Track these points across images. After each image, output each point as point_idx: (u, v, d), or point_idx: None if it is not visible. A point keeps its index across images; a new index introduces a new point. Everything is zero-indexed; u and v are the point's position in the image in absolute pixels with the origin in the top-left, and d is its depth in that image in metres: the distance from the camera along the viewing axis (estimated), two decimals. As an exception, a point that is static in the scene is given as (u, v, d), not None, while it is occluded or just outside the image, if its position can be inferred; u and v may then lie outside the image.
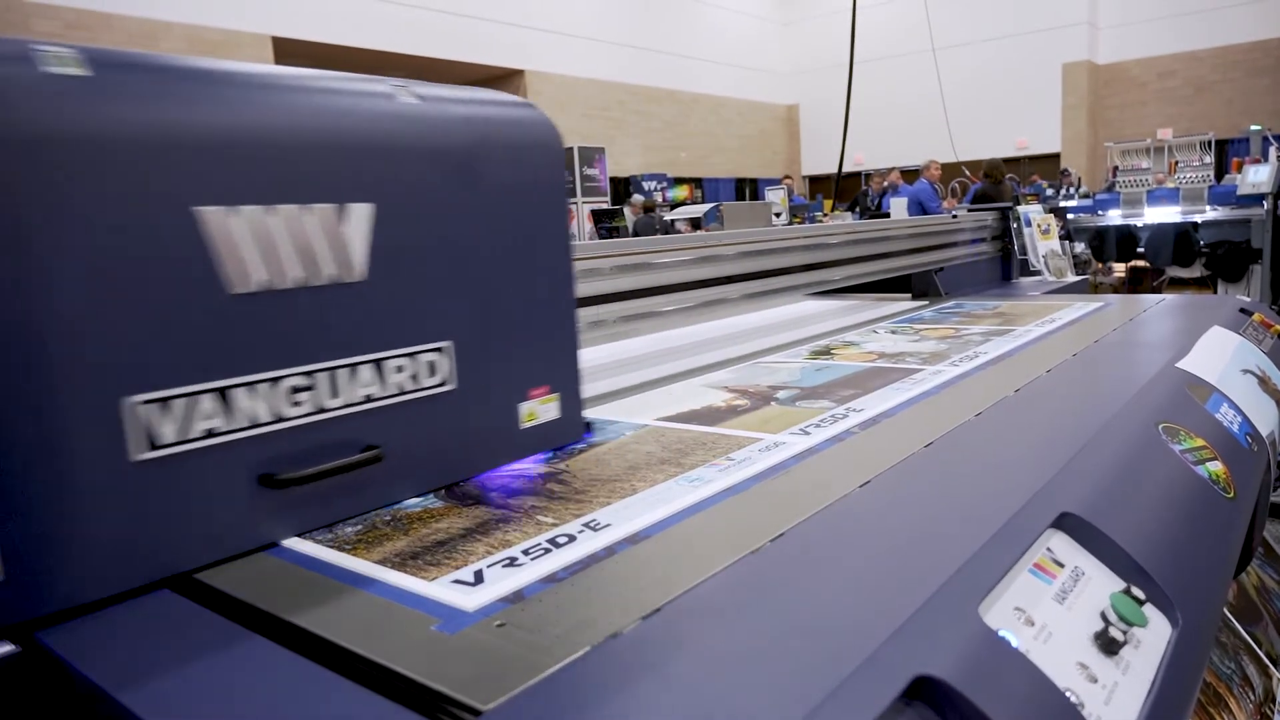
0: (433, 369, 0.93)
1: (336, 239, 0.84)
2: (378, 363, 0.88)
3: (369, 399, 0.88)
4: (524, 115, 1.06)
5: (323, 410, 0.84)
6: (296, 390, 0.82)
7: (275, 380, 0.80)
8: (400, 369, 0.90)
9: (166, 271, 0.73)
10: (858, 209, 10.21)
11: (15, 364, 0.66)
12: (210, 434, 0.76)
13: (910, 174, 10.24)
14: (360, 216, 0.86)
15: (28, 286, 0.66)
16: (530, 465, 1.04)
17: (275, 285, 0.80)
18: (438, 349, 0.93)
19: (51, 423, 0.67)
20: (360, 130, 0.87)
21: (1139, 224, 7.66)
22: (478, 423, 1.00)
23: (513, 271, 1.02)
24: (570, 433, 1.12)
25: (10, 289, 0.65)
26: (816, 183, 19.11)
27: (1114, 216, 7.81)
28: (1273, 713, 1.41)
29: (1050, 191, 10.44)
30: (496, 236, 1.00)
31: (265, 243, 0.79)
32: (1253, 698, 1.39)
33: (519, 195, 1.03)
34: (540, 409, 1.07)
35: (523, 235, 1.03)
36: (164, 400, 0.73)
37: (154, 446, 0.72)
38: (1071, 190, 10.25)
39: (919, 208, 7.85)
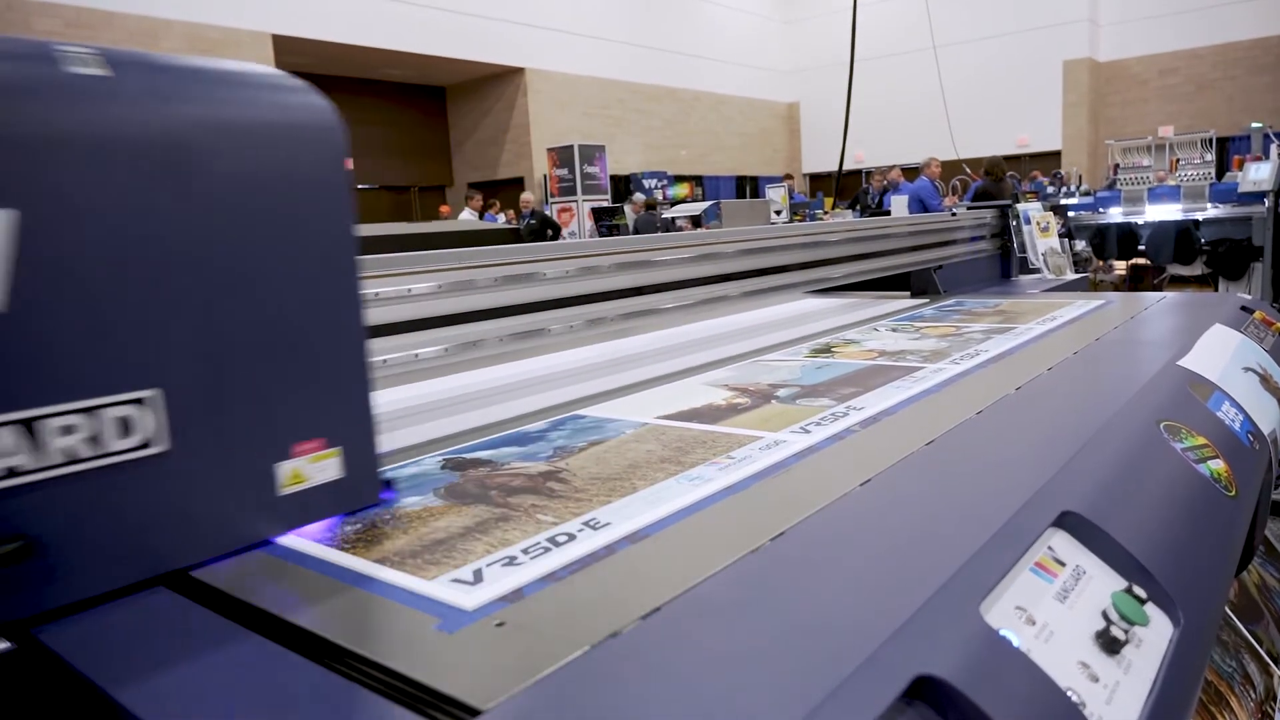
0: (126, 427, 0.70)
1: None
2: (27, 423, 0.65)
3: (12, 473, 0.65)
4: (284, 98, 0.85)
5: None
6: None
7: None
8: (69, 429, 0.67)
9: None
10: (858, 207, 10.20)
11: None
12: None
13: (911, 171, 10.24)
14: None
15: None
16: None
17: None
18: (136, 400, 0.71)
19: None
20: None
21: (1140, 222, 7.65)
22: (207, 494, 0.77)
23: (263, 295, 0.79)
24: (360, 495, 0.89)
25: None
26: (817, 181, 19.10)
27: (1115, 214, 7.81)
28: (1274, 711, 1.41)
29: (1051, 189, 10.44)
30: (234, 252, 0.77)
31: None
32: (1254, 696, 1.39)
33: (270, 198, 0.80)
34: (310, 468, 0.84)
35: (278, 249, 0.81)
36: None
37: None
38: (1072, 188, 10.25)
39: (920, 205, 7.85)
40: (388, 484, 0.95)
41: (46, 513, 0.67)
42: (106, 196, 0.70)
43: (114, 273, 0.70)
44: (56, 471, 0.67)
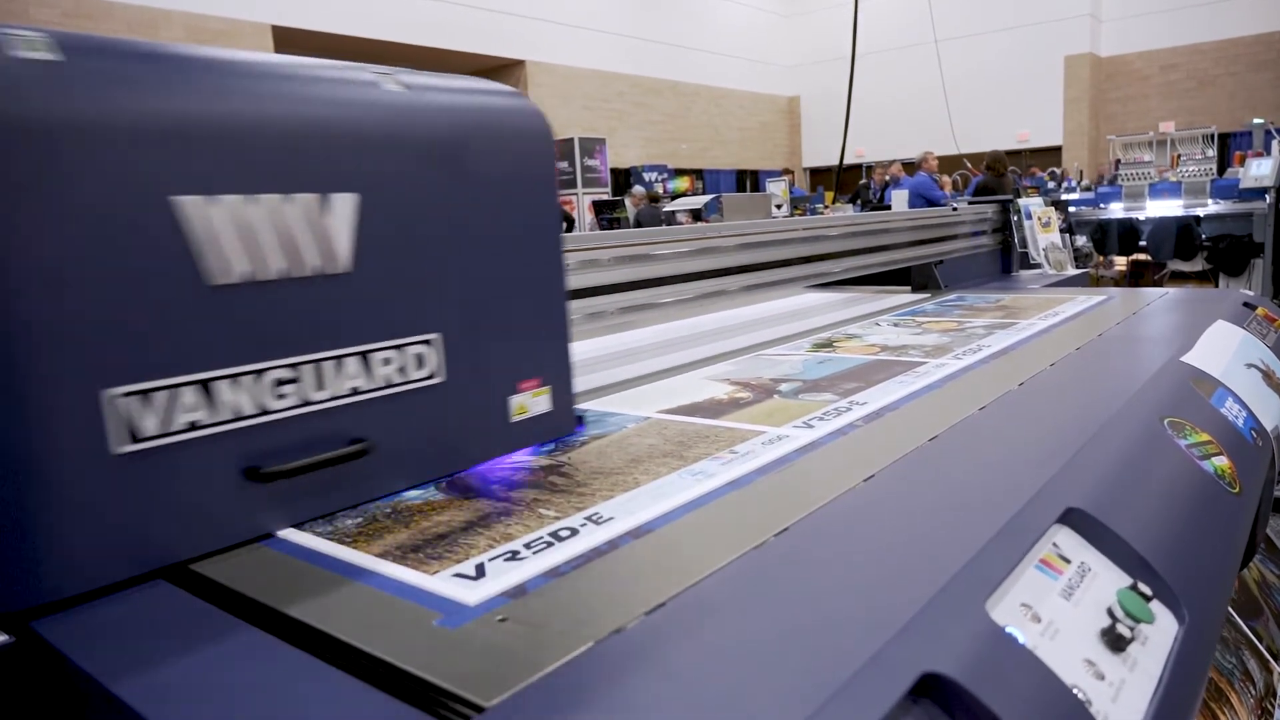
0: (421, 361, 0.92)
1: (320, 230, 0.83)
2: (364, 355, 0.87)
3: (355, 391, 0.86)
4: (514, 105, 1.06)
5: (308, 403, 0.83)
6: (281, 383, 0.81)
7: (259, 373, 0.79)
8: (387, 361, 0.89)
9: (145, 262, 0.72)
10: (859, 201, 10.19)
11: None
12: (193, 426, 0.75)
13: (912, 167, 10.23)
14: (344, 207, 0.85)
15: (6, 284, 0.65)
16: (523, 458, 1.03)
17: (257, 276, 0.79)
18: (426, 341, 0.93)
19: (31, 415, 0.67)
20: (343, 119, 0.86)
21: (1141, 217, 7.65)
22: (467, 415, 0.98)
23: (501, 263, 1.01)
24: (561, 426, 1.11)
25: None
26: (818, 175, 19.09)
27: (1116, 210, 7.80)
28: (1274, 708, 1.41)
29: (1051, 185, 10.42)
30: (485, 228, 0.98)
31: (246, 233, 0.78)
32: (1254, 693, 1.39)
33: (507, 186, 1.01)
34: (531, 402, 1.06)
35: (512, 226, 1.02)
36: (145, 393, 0.72)
37: (135, 439, 0.72)
38: (1073, 183, 10.23)
39: (921, 200, 7.84)
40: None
41: (376, 422, 0.89)
42: (409, 183, 0.91)
43: (414, 241, 0.91)
44: (380, 393, 0.89)
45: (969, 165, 11.08)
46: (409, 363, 0.91)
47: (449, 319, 0.95)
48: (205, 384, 0.76)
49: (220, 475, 0.77)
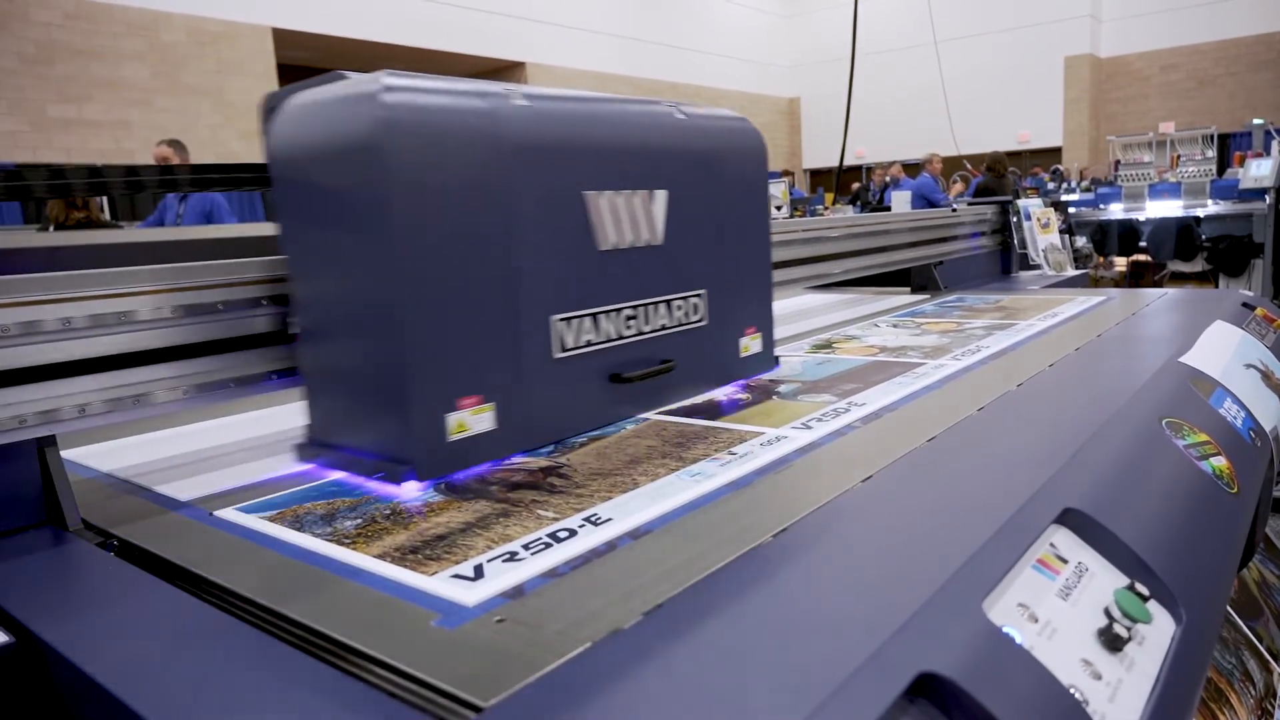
0: (696, 309, 1.31)
1: (648, 215, 1.21)
2: (669, 302, 1.26)
3: (664, 328, 1.25)
4: (746, 128, 1.43)
5: (641, 334, 1.21)
6: (629, 319, 1.19)
7: (618, 311, 1.17)
8: (679, 308, 1.27)
9: (569, 233, 1.10)
10: (859, 203, 10.18)
11: (502, 296, 1.02)
12: (588, 344, 1.13)
13: (912, 168, 10.22)
14: (661, 199, 1.23)
15: (508, 243, 1.02)
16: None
17: (619, 245, 1.16)
18: (699, 295, 1.31)
19: (521, 330, 1.04)
20: (659, 139, 1.26)
21: (1141, 218, 7.64)
22: (719, 350, 1.37)
23: (737, 241, 1.39)
24: (766, 364, 1.48)
25: (502, 248, 1.01)
26: (818, 176, 19.08)
27: (1116, 210, 7.79)
28: (1273, 708, 1.41)
29: (1051, 185, 10.42)
30: (729, 215, 1.37)
31: (615, 216, 1.15)
32: (1253, 693, 1.39)
33: (742, 186, 1.39)
34: (751, 344, 1.44)
35: (743, 215, 1.40)
36: (567, 319, 1.10)
37: (563, 349, 1.09)
38: (1073, 184, 10.23)
39: (924, 201, 7.84)
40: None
41: (675, 349, 1.27)
42: (692, 182, 1.28)
43: (694, 224, 1.29)
44: (676, 329, 1.27)
45: (969, 166, 11.08)
46: (690, 309, 1.30)
47: (711, 279, 1.33)
48: (594, 316, 1.13)
49: (598, 378, 1.15)
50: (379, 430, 0.98)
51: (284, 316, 1.10)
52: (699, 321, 1.31)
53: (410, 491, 0.94)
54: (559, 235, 1.08)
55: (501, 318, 1.02)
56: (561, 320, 1.08)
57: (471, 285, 0.98)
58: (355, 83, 0.99)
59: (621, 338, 1.18)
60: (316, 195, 0.99)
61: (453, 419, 0.97)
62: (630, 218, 1.17)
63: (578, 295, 1.11)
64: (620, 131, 1.19)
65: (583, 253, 1.11)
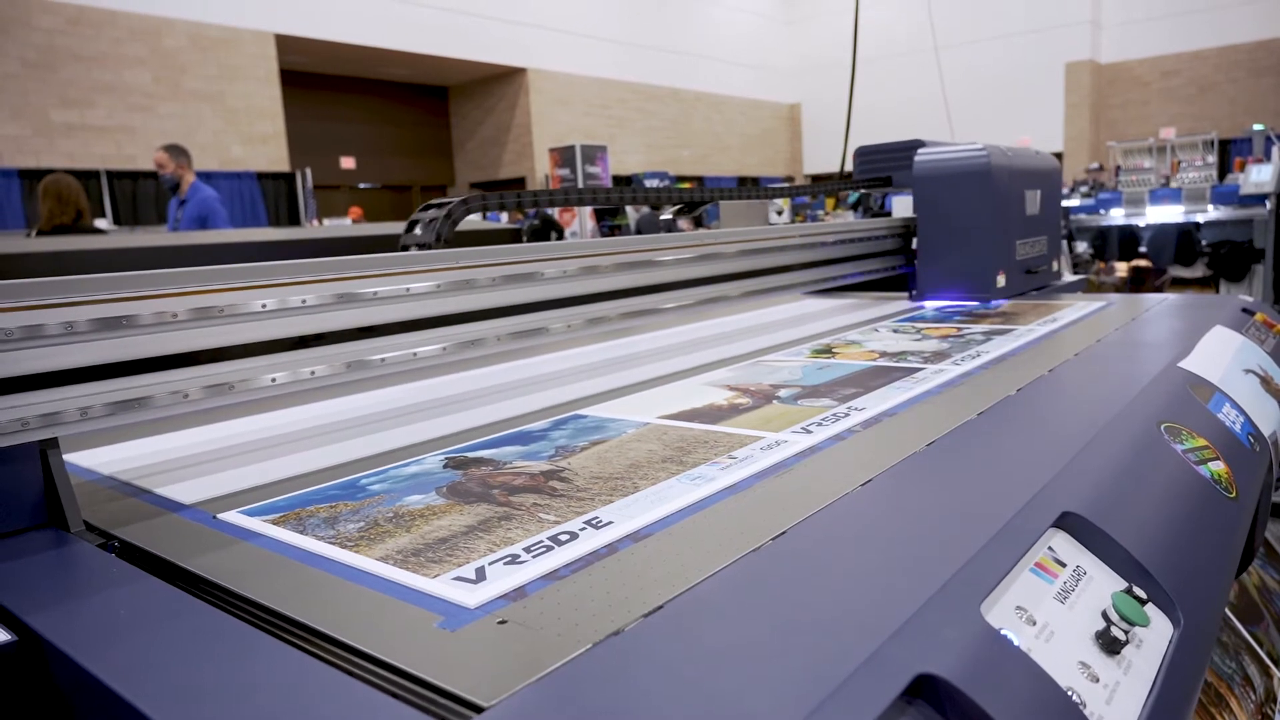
0: (1044, 245, 2.64)
1: (1035, 200, 2.57)
2: (1038, 241, 2.60)
3: (1039, 253, 2.61)
4: (1051, 156, 2.70)
5: (1031, 255, 2.55)
6: (1031, 245, 2.55)
7: (1028, 242, 2.54)
8: (1039, 244, 2.61)
9: (1020, 207, 2.48)
10: (860, 208, 10.18)
11: (1007, 231, 2.45)
12: (1023, 256, 2.52)
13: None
14: (1038, 193, 2.59)
15: (1007, 209, 2.44)
16: (524, 463, 1.08)
17: (1030, 214, 2.53)
18: (1043, 239, 2.62)
19: (1010, 246, 2.46)
20: (1037, 163, 2.61)
21: (1141, 224, 7.66)
22: (1049, 265, 2.67)
23: (1051, 215, 2.70)
24: (1059, 276, 2.81)
25: (1005, 210, 2.43)
26: (818, 181, 19.07)
27: (1117, 216, 7.81)
28: (1273, 713, 1.40)
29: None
30: (1051, 200, 2.67)
31: (1029, 200, 2.53)
32: (1253, 698, 1.39)
33: (1052, 187, 2.72)
34: (1055, 265, 2.77)
35: (1052, 202, 2.70)
36: (1020, 243, 2.49)
37: (1017, 257, 2.49)
38: (1079, 187, 10.25)
39: None
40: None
41: (1039, 263, 2.68)
42: (1044, 185, 2.67)
43: (1043, 205, 2.66)
44: (1038, 255, 2.64)
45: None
46: (1042, 245, 2.63)
47: (1048, 232, 2.65)
48: (1025, 243, 2.51)
49: (1024, 270, 2.53)
50: (972, 285, 2.37)
51: (911, 249, 2.51)
52: (1044, 252, 2.62)
53: (988, 302, 2.25)
54: (1018, 207, 2.44)
55: (1007, 240, 2.38)
56: (1019, 243, 2.44)
57: (1000, 226, 2.34)
58: (967, 146, 2.35)
59: (1028, 256, 2.50)
60: (944, 193, 2.40)
61: (999, 279, 2.35)
62: (1033, 201, 2.51)
63: (1022, 234, 2.44)
64: (1029, 162, 2.52)
65: (1022, 216, 2.46)
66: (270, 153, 11.58)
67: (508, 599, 0.66)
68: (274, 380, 1.11)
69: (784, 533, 0.76)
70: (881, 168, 2.79)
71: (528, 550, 0.76)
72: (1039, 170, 2.60)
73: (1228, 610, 1.52)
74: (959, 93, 12.48)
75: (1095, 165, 12.19)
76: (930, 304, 2.37)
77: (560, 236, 9.97)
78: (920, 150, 2.44)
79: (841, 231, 2.32)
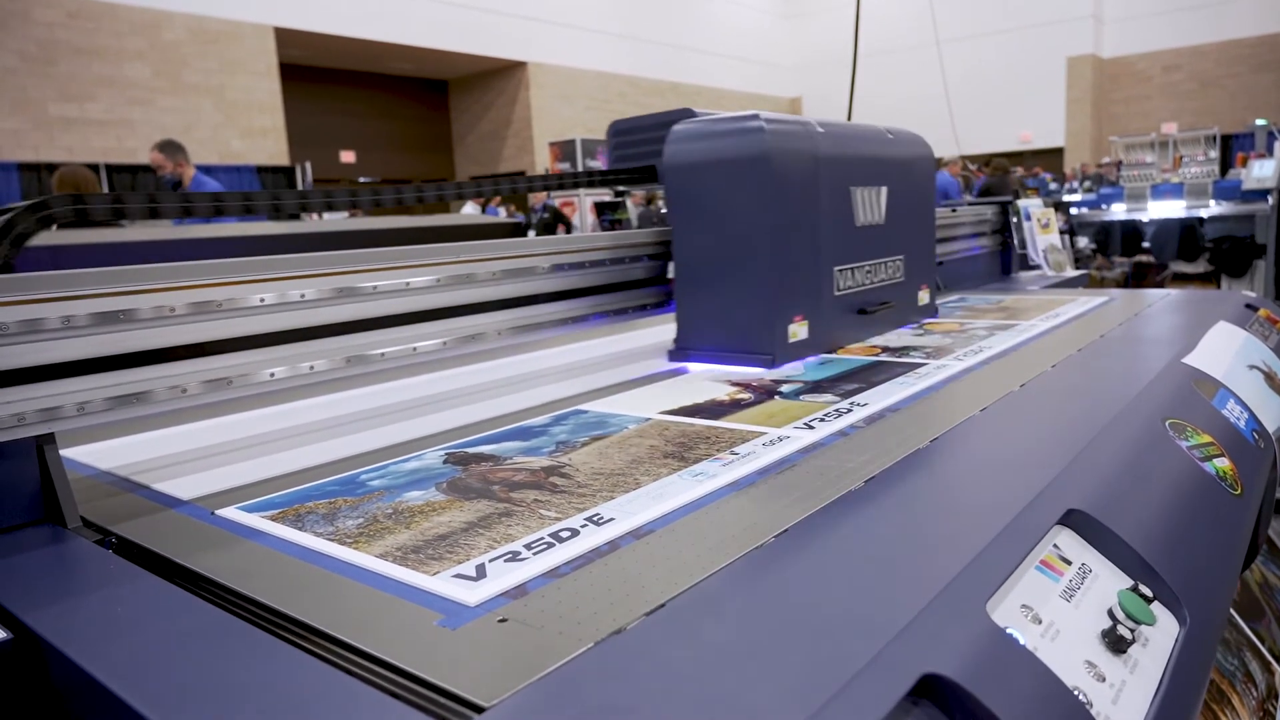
0: (898, 269, 1.85)
1: (878, 203, 1.76)
2: (886, 263, 1.80)
3: (884, 280, 1.80)
4: (920, 139, 1.98)
5: (872, 283, 1.76)
6: (868, 272, 1.74)
7: (863, 266, 1.71)
8: (891, 266, 1.82)
9: (840, 215, 1.64)
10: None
11: (813, 252, 1.57)
12: (849, 289, 1.67)
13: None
14: (884, 192, 1.77)
15: (816, 219, 1.57)
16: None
17: (864, 223, 1.71)
18: (900, 259, 1.85)
19: (819, 275, 1.59)
20: (885, 151, 1.82)
21: (1144, 219, 7.64)
22: (909, 298, 1.91)
23: (918, 222, 1.95)
24: (931, 312, 2.02)
25: (812, 221, 1.56)
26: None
27: (1118, 211, 7.79)
28: (1275, 709, 1.40)
29: (1054, 185, 10.41)
30: (915, 203, 1.91)
31: (863, 203, 1.71)
32: (1255, 694, 1.38)
33: (922, 183, 1.96)
34: (923, 295, 1.98)
35: (921, 202, 1.96)
36: (841, 270, 1.65)
37: (837, 290, 1.64)
38: (1075, 185, 10.23)
39: (944, 199, 7.95)
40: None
41: (889, 295, 1.80)
42: (899, 180, 1.81)
43: (898, 209, 1.80)
44: (886, 282, 1.80)
45: (971, 167, 11.08)
46: (896, 268, 1.84)
47: (906, 248, 1.87)
48: (853, 269, 1.68)
49: (852, 310, 1.69)
50: (747, 336, 1.51)
51: (663, 265, 1.68)
52: (900, 278, 1.84)
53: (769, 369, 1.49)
54: (837, 215, 1.62)
55: (813, 267, 1.57)
56: (838, 270, 1.64)
57: (800, 245, 1.54)
58: (739, 117, 1.51)
59: (864, 285, 1.73)
60: (707, 188, 1.53)
61: (791, 328, 1.53)
62: (870, 205, 1.72)
63: (846, 255, 1.66)
64: (864, 146, 1.74)
65: (848, 227, 1.66)
66: (270, 147, 11.56)
67: (508, 597, 0.66)
68: (273, 375, 1.10)
69: (787, 530, 0.75)
70: (644, 152, 1.85)
71: (528, 547, 0.75)
72: (885, 159, 1.79)
73: (1230, 608, 1.51)
74: (961, 87, 12.46)
75: (1106, 160, 12.17)
76: (696, 367, 1.56)
77: (569, 230, 9.97)
78: (677, 125, 1.58)
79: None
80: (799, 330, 1.52)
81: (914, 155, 1.91)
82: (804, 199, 1.53)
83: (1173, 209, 7.45)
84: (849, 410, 1.17)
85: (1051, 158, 15.59)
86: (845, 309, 1.66)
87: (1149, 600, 0.70)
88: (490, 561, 0.73)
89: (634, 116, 1.83)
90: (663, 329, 1.73)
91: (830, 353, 1.60)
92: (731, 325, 1.53)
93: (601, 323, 1.59)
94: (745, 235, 1.48)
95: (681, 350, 1.60)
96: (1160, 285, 7.41)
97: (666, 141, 1.56)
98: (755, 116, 1.45)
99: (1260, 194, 6.74)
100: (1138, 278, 7.84)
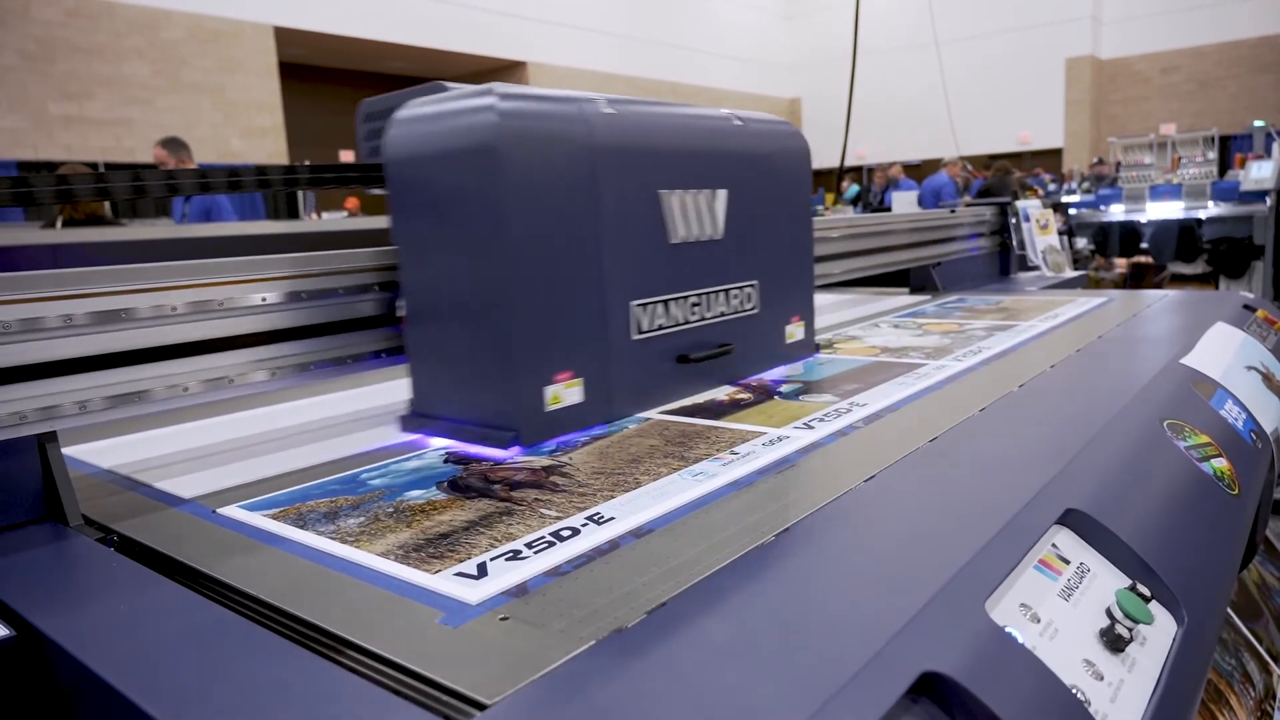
0: (750, 298, 1.41)
1: (711, 212, 1.31)
2: (727, 291, 1.35)
3: (722, 314, 1.35)
4: (791, 131, 1.54)
5: (703, 319, 1.31)
6: (694, 305, 1.29)
7: (685, 298, 1.27)
8: (735, 296, 1.37)
9: (646, 228, 1.20)
10: (859, 203, 10.19)
11: (590, 282, 1.12)
12: (660, 328, 1.23)
13: (912, 168, 10.26)
14: (721, 197, 1.33)
15: (596, 235, 1.12)
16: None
17: (686, 239, 1.26)
18: (753, 285, 1.41)
19: (607, 315, 1.15)
20: (720, 144, 1.35)
21: (1143, 220, 7.65)
22: (768, 335, 1.47)
23: (784, 235, 1.49)
24: (807, 350, 1.58)
25: (591, 239, 1.12)
26: (819, 176, 19.06)
27: (1117, 212, 7.80)
28: (1273, 709, 1.41)
29: (1053, 186, 10.42)
30: (778, 213, 1.47)
31: (683, 213, 1.25)
32: (1253, 694, 1.39)
33: (788, 184, 1.49)
34: (795, 331, 1.53)
35: (790, 212, 1.51)
36: (643, 305, 1.20)
37: (639, 332, 1.20)
38: (1074, 186, 10.24)
39: (935, 198, 7.96)
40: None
41: (731, 334, 1.37)
42: (747, 181, 1.38)
43: (748, 219, 1.38)
44: (733, 315, 1.37)
45: (970, 168, 11.09)
46: (744, 298, 1.40)
47: (762, 271, 1.43)
48: (665, 303, 1.23)
49: (668, 359, 1.26)
50: (485, 402, 1.09)
51: (392, 300, 1.21)
52: (751, 309, 1.41)
53: (512, 454, 1.06)
54: (638, 229, 1.19)
55: (590, 302, 1.13)
56: (639, 305, 1.19)
57: (566, 272, 1.09)
58: (470, 93, 1.11)
59: (688, 322, 1.28)
60: (431, 192, 1.09)
61: (550, 391, 1.08)
62: (696, 214, 1.28)
63: (652, 283, 1.22)
64: (688, 136, 1.31)
65: (657, 245, 1.22)
66: (269, 146, 11.54)
67: (509, 595, 0.66)
68: (273, 374, 1.10)
69: (787, 529, 0.76)
70: None
71: (529, 546, 0.76)
72: (723, 153, 1.36)
73: (1228, 607, 1.51)
74: (960, 88, 12.46)
75: (1096, 160, 12.18)
76: (437, 442, 1.15)
77: None
78: (406, 105, 1.18)
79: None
80: (567, 393, 1.10)
81: (775, 149, 1.45)
82: (570, 207, 1.08)
83: (1171, 210, 7.46)
84: (849, 410, 1.18)
85: (1050, 158, 15.60)
86: (654, 357, 1.22)
87: (1147, 599, 0.71)
88: (491, 560, 0.73)
89: (387, 94, 1.31)
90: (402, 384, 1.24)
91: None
92: (466, 388, 1.11)
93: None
94: (477, 257, 1.04)
95: (418, 418, 1.18)
96: (1158, 286, 7.42)
97: (389, 124, 1.16)
98: (489, 91, 1.06)
99: (1258, 195, 6.75)
100: (1136, 279, 7.85)
